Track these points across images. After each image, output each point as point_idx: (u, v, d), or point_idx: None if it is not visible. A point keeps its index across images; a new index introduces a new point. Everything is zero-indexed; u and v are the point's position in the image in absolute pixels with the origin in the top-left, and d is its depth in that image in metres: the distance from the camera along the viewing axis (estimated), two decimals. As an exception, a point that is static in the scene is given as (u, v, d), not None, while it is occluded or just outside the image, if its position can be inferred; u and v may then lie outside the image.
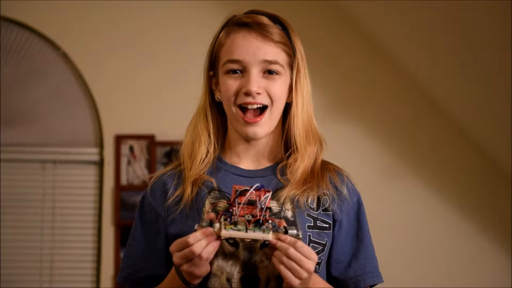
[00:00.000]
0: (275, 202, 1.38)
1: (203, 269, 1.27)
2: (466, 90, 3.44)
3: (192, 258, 1.24)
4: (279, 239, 1.25)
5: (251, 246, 1.32)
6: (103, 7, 3.75)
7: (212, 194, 1.38)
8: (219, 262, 1.33)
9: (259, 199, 1.26)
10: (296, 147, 1.45)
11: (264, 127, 1.43)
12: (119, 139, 3.68)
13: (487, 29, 2.93)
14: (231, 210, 1.26)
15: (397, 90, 3.76)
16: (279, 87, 1.43)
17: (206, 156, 1.46)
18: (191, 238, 1.24)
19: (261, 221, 1.25)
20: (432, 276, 3.60)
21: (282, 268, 1.25)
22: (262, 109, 1.42)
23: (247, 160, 1.47)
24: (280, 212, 1.37)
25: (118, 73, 3.74)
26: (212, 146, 1.47)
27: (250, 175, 1.43)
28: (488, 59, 3.11)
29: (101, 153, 3.70)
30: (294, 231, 1.26)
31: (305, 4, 3.75)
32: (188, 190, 1.41)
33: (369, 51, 3.76)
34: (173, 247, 1.26)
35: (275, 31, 1.44)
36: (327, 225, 1.42)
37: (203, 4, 3.71)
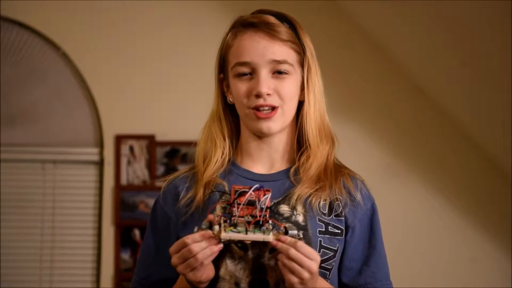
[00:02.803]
0: (286, 206, 1.37)
1: (199, 274, 1.26)
2: (466, 90, 3.44)
3: (188, 258, 1.24)
4: (279, 240, 1.24)
5: (260, 249, 1.31)
6: (103, 7, 3.75)
7: (223, 198, 1.37)
8: (228, 266, 1.32)
9: (259, 200, 1.25)
10: (309, 145, 1.44)
11: (277, 122, 1.41)
12: (119, 139, 3.68)
13: (487, 29, 2.93)
14: (229, 211, 1.25)
15: (397, 90, 3.76)
16: (289, 87, 1.42)
17: (221, 158, 1.45)
18: (189, 238, 1.24)
19: (261, 222, 1.25)
20: (432, 276, 3.60)
21: (282, 268, 1.25)
22: (273, 108, 1.41)
23: (261, 162, 1.46)
24: (291, 216, 1.36)
25: (118, 73, 3.74)
26: (227, 148, 1.46)
27: (262, 179, 1.41)
28: (488, 60, 3.11)
29: (101, 153, 3.70)
30: (295, 231, 1.25)
31: (304, 4, 3.75)
32: (200, 193, 1.40)
33: (369, 51, 3.76)
34: (172, 248, 1.27)
35: (283, 30, 1.43)
36: (339, 231, 1.40)
37: (203, 4, 3.71)
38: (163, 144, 3.66)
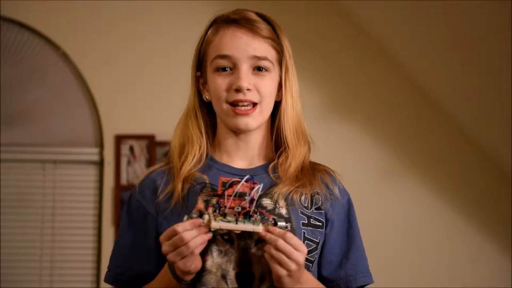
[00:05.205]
0: (268, 199, 1.38)
1: (188, 263, 1.26)
2: (466, 90, 3.44)
3: (179, 246, 1.24)
4: (268, 231, 1.25)
5: (246, 242, 1.32)
6: (103, 7, 3.75)
7: (204, 191, 1.37)
8: (214, 258, 1.32)
9: (250, 191, 1.26)
10: (288, 145, 1.45)
11: (255, 119, 1.42)
12: (119, 139, 3.68)
13: (487, 29, 2.93)
14: (219, 201, 1.26)
15: (397, 90, 3.76)
16: (268, 84, 1.43)
17: (199, 154, 1.45)
18: (180, 226, 1.24)
19: (250, 213, 1.26)
20: (432, 276, 3.60)
21: (270, 260, 1.25)
22: (253, 105, 1.42)
23: (238, 158, 1.46)
24: (274, 209, 1.37)
25: (118, 73, 3.74)
26: (204, 144, 1.46)
27: (242, 173, 1.41)
28: (489, 59, 3.11)
29: (101, 153, 3.70)
30: (283, 223, 1.27)
31: (304, 4, 3.75)
32: (179, 187, 1.40)
33: (369, 51, 3.76)
34: (162, 236, 1.27)
35: (264, 27, 1.44)
36: (320, 224, 1.42)
37: (203, 4, 3.70)
38: (163, 144, 3.66)
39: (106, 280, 1.47)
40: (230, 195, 1.26)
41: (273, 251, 1.24)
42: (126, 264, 1.44)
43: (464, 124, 3.66)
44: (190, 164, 1.43)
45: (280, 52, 1.46)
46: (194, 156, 1.44)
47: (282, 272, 1.25)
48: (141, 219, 1.44)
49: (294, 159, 1.44)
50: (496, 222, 3.64)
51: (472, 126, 3.63)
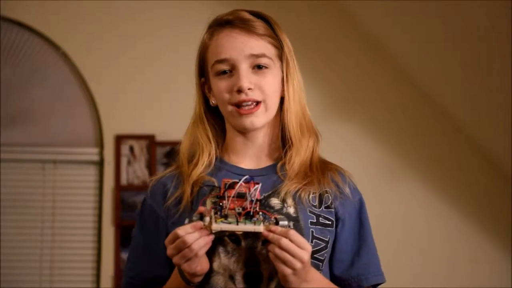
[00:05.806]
0: (276, 199, 1.38)
1: (193, 265, 1.27)
2: (466, 90, 3.44)
3: (183, 248, 1.25)
4: (269, 230, 1.25)
5: (253, 242, 1.32)
6: (103, 7, 3.75)
7: (213, 193, 1.37)
8: (222, 259, 1.33)
9: (249, 192, 1.26)
10: (291, 141, 1.45)
11: (260, 117, 1.42)
12: (119, 139, 3.68)
13: (487, 29, 2.93)
14: (221, 203, 1.26)
15: (397, 90, 3.76)
16: (270, 81, 1.43)
17: (208, 159, 1.46)
18: (181, 229, 1.25)
19: (251, 213, 1.26)
20: (432, 276, 3.60)
21: (274, 259, 1.25)
22: (256, 103, 1.42)
23: (247, 159, 1.47)
24: (281, 208, 1.37)
25: (118, 73, 3.74)
26: (213, 150, 1.47)
27: (250, 174, 1.41)
28: (488, 59, 3.11)
29: (101, 153, 3.70)
30: (285, 222, 1.27)
31: (304, 4, 3.75)
32: (188, 192, 1.41)
33: (369, 51, 3.76)
34: (166, 240, 1.28)
35: (258, 25, 1.44)
36: (330, 222, 1.42)
37: (204, 5, 3.70)
38: (163, 144, 3.66)
39: (123, 286, 1.48)
40: (230, 196, 1.26)
41: (277, 251, 1.24)
42: (139, 267, 1.45)
43: (464, 124, 3.66)
44: (200, 169, 1.44)
45: (279, 47, 1.46)
46: (204, 163, 1.45)
47: (287, 271, 1.25)
48: (152, 223, 1.45)
49: (298, 155, 1.43)
50: (496, 222, 3.64)
51: (472, 126, 3.63)
